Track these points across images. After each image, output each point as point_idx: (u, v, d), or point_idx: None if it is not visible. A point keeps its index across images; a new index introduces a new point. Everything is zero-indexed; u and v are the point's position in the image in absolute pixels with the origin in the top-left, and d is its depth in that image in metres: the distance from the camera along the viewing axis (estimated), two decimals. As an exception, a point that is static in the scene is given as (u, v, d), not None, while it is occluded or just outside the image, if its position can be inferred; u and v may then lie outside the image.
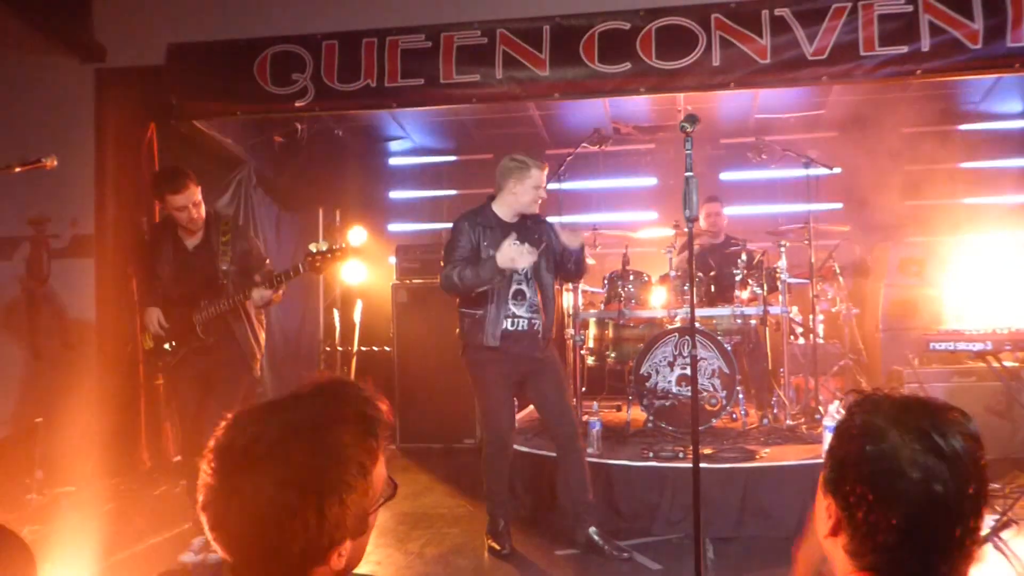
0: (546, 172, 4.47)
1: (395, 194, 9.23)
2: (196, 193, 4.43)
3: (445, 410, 6.76)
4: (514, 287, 4.40)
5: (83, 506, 5.28)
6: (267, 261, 4.71)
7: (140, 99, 6.36)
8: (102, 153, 6.33)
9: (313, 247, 4.28)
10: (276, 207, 7.97)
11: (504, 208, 4.45)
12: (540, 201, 4.49)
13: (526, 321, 4.42)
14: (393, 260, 7.70)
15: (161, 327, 4.48)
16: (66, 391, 6.14)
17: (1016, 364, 5.63)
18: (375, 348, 8.07)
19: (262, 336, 4.72)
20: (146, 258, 4.71)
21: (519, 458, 4.97)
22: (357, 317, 7.90)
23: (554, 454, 4.62)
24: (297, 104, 6.04)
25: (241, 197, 7.62)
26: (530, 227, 4.49)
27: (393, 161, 9.20)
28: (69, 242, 6.33)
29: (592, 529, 4.37)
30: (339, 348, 8.16)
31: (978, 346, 4.50)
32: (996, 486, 5.25)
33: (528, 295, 4.42)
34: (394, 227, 9.03)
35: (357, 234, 7.92)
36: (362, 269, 7.99)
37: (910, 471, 1.26)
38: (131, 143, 6.41)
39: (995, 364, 4.57)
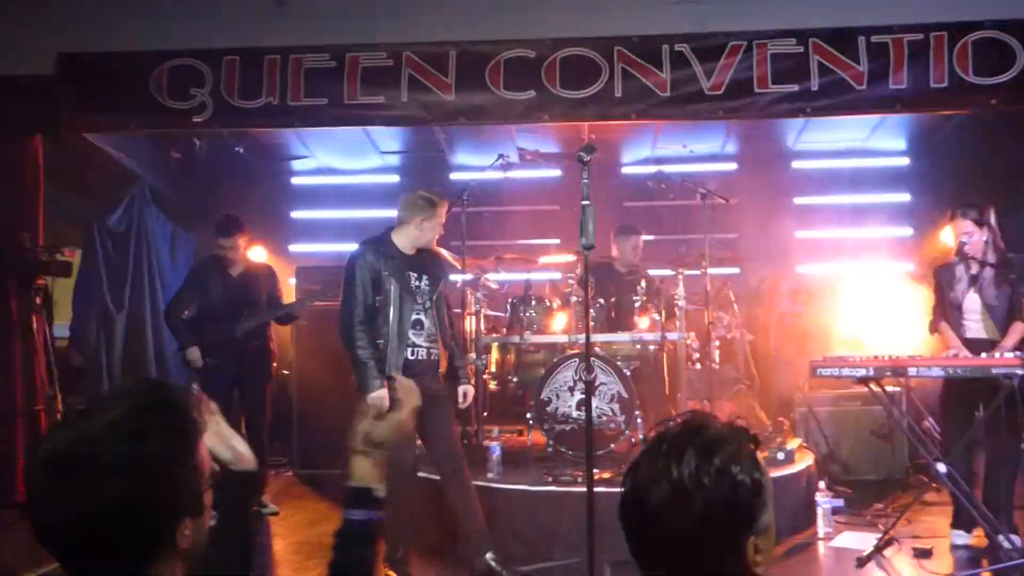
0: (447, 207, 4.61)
1: (297, 214, 9.03)
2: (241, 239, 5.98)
3: (344, 435, 6.61)
4: (414, 316, 4.39)
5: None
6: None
7: (26, 110, 6.06)
8: (-18, 165, 6.01)
9: None
10: (171, 224, 7.72)
11: (405, 240, 4.51)
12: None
13: (425, 351, 4.43)
14: (293, 281, 7.53)
15: (204, 359, 5.79)
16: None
17: (897, 389, 5.91)
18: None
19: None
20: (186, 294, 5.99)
21: (424, 486, 4.89)
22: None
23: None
24: (195, 120, 5.88)
25: (133, 213, 7.35)
26: (427, 262, 4.56)
27: (296, 180, 9.02)
28: (-57, 258, 5.97)
29: (489, 555, 4.35)
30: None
31: (861, 372, 4.69)
32: (879, 506, 5.51)
33: (427, 324, 4.44)
34: (295, 248, 8.83)
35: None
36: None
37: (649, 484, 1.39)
38: (15, 155, 6.13)
39: (876, 389, 4.77)
